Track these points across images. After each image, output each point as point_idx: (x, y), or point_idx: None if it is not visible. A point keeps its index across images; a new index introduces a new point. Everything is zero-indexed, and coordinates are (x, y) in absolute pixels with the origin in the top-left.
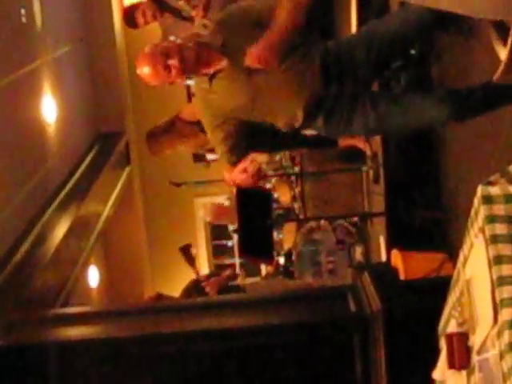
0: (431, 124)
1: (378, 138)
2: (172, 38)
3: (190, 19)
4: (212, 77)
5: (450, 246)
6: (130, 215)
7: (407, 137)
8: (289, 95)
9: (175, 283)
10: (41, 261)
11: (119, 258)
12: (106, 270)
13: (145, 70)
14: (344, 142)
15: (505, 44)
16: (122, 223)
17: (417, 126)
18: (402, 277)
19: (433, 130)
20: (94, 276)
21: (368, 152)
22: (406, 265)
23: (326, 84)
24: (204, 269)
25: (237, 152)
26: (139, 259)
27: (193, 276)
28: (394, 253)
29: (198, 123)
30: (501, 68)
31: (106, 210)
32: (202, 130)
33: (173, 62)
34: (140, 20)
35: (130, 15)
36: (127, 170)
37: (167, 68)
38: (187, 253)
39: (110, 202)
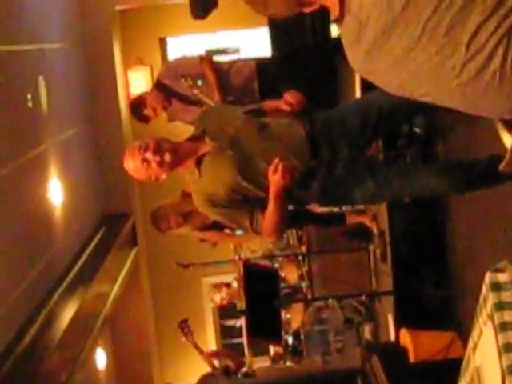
0: (432, 194)
1: (384, 216)
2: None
3: (198, 103)
4: (199, 163)
5: (459, 324)
6: (138, 296)
7: (414, 216)
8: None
9: (184, 365)
10: (48, 345)
11: (126, 341)
12: (113, 353)
13: (127, 167)
14: (351, 219)
15: (510, 131)
16: (129, 305)
17: (417, 194)
18: (411, 356)
19: (439, 208)
20: (101, 359)
21: (375, 230)
22: (415, 344)
23: (315, 153)
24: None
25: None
26: (146, 341)
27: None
28: (403, 332)
29: None
30: (507, 158)
31: (113, 292)
32: None
33: (148, 155)
34: (151, 115)
35: (138, 111)
36: (134, 251)
37: (144, 161)
38: (185, 327)
39: (117, 284)
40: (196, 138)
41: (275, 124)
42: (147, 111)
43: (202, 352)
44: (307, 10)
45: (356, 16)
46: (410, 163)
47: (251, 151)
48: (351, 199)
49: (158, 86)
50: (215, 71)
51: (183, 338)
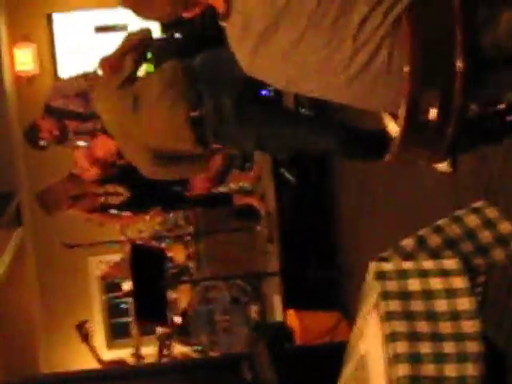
0: (320, 150)
1: (272, 198)
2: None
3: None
4: None
5: (345, 305)
6: (23, 277)
7: (301, 198)
8: (167, 121)
9: (70, 348)
10: None
11: (11, 323)
12: None
13: None
14: (239, 200)
15: (395, 120)
16: (14, 285)
17: (305, 147)
18: (298, 337)
19: (325, 190)
20: None
21: (262, 211)
22: (301, 325)
23: (199, 101)
24: (100, 328)
25: None
26: (32, 324)
27: None
28: (290, 313)
29: None
30: (393, 150)
31: None
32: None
33: None
34: (47, 137)
35: (33, 137)
36: (19, 230)
37: None
38: (83, 330)
39: (2, 264)
40: None
41: (145, 91)
42: (43, 134)
43: (98, 358)
44: (187, 14)
45: (241, 12)
46: (304, 114)
47: (134, 135)
48: (243, 147)
49: (48, 110)
50: None
51: (81, 341)
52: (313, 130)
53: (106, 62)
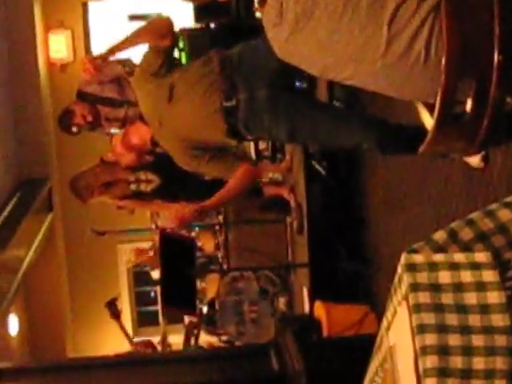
0: (356, 145)
1: (302, 189)
2: None
3: (127, 103)
4: None
5: (373, 298)
6: (52, 262)
7: (331, 189)
8: (201, 110)
9: (97, 332)
10: None
11: (40, 306)
12: (26, 319)
13: None
14: (269, 191)
15: (431, 112)
16: (43, 270)
17: (341, 144)
18: (324, 329)
19: (356, 183)
20: (14, 325)
21: (292, 203)
22: (329, 317)
23: (233, 92)
24: (127, 317)
25: None
26: (60, 307)
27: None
28: (317, 304)
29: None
30: (427, 141)
31: (28, 258)
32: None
33: None
34: (81, 122)
35: (66, 121)
36: (50, 216)
37: None
38: (113, 307)
39: (32, 250)
40: None
41: (180, 80)
42: (77, 119)
43: (128, 336)
44: None
45: None
46: (340, 108)
47: (169, 124)
48: (275, 137)
49: (81, 96)
50: None
51: (110, 318)
52: (347, 123)
53: (88, 64)
